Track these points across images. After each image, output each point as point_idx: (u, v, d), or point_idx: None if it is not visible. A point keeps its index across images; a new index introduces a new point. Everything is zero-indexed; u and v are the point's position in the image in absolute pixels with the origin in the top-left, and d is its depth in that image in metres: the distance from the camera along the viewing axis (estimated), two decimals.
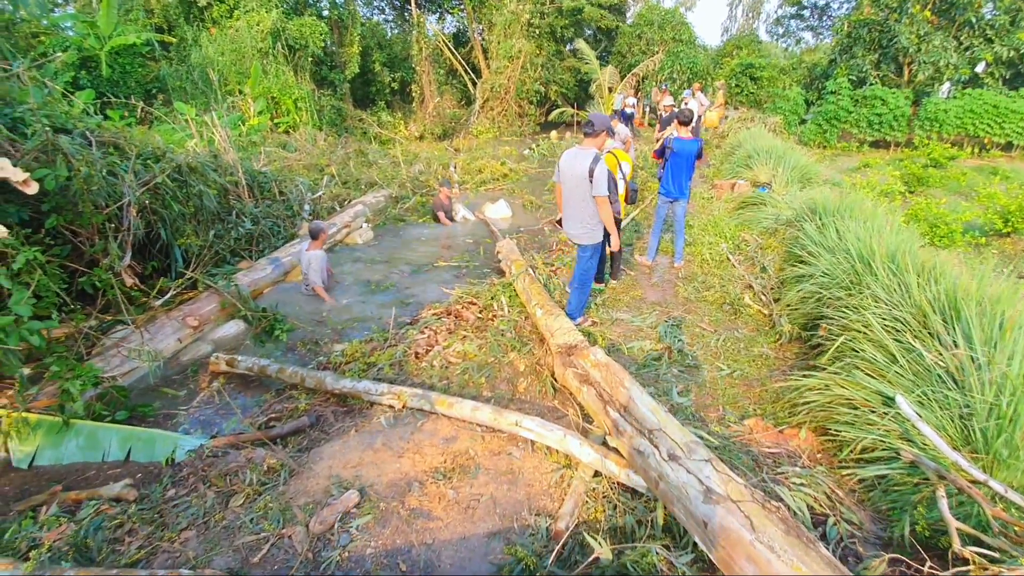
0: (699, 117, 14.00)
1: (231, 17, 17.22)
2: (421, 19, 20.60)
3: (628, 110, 15.74)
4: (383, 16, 27.55)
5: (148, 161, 5.96)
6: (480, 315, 5.14)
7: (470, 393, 3.90)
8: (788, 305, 4.92)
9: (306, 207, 9.10)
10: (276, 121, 15.50)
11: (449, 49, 22.96)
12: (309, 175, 11.11)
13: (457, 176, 12.73)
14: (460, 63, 22.65)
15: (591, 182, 4.10)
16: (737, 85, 16.85)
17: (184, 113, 13.80)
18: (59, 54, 15.17)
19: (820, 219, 5.80)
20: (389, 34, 24.75)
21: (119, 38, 15.53)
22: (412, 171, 12.54)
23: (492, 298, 5.39)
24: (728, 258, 6.62)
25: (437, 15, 26.90)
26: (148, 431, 3.68)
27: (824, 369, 3.72)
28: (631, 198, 5.52)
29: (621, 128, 8.94)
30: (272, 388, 4.33)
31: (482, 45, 24.46)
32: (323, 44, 17.87)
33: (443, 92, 24.19)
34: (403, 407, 3.66)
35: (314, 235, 6.28)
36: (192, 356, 4.95)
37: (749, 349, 4.64)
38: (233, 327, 5.41)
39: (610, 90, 18.35)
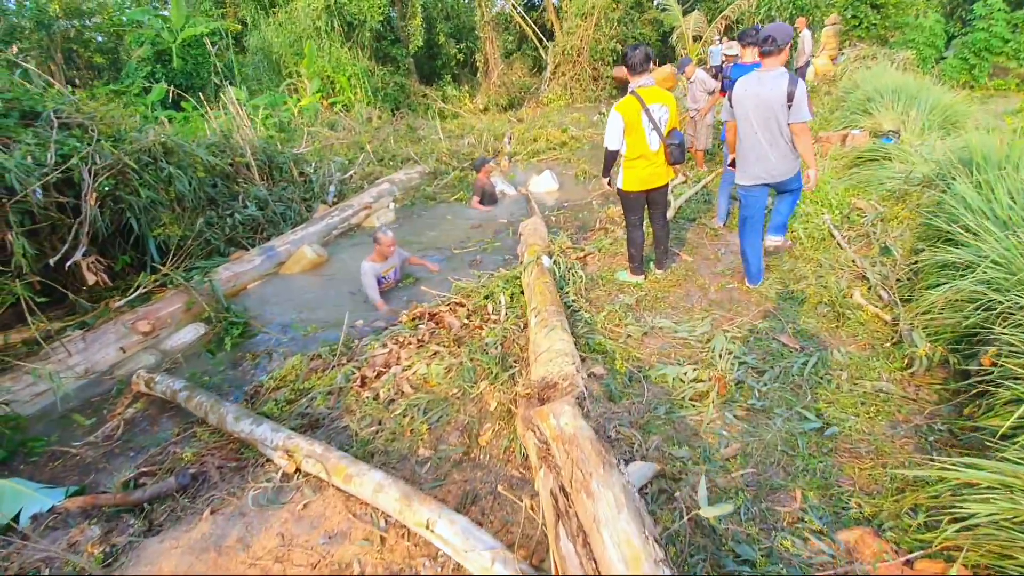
0: (806, 62, 11.43)
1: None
2: None
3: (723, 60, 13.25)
4: None
5: (120, 144, 5.30)
6: (467, 320, 3.88)
7: (397, 451, 2.67)
8: (926, 311, 3.14)
9: (331, 188, 8.29)
10: (331, 100, 15.03)
11: (519, 14, 21.37)
12: (349, 154, 10.36)
13: (510, 147, 11.39)
14: (531, 28, 20.98)
15: (789, 107, 3.44)
16: (854, 16, 13.69)
17: (238, 99, 13.70)
18: (136, 49, 15.78)
19: (978, 175, 3.80)
20: (454, 2, 23.54)
21: (189, 30, 15.78)
22: (460, 144, 11.40)
23: (487, 297, 4.10)
24: (832, 235, 4.76)
25: None
26: (0, 483, 2.87)
27: (997, 446, 2.05)
28: (675, 155, 3.89)
29: (702, 75, 7.11)
30: (187, 419, 3.40)
31: (554, 6, 22.68)
32: (382, 18, 17.13)
33: (512, 61, 22.81)
34: (296, 470, 2.53)
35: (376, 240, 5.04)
36: (132, 368, 4.19)
37: (857, 381, 2.96)
38: (191, 332, 4.61)
39: (695, 39, 15.86)
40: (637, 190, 4.00)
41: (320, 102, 14.55)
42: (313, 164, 9.52)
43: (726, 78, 6.58)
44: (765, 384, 2.99)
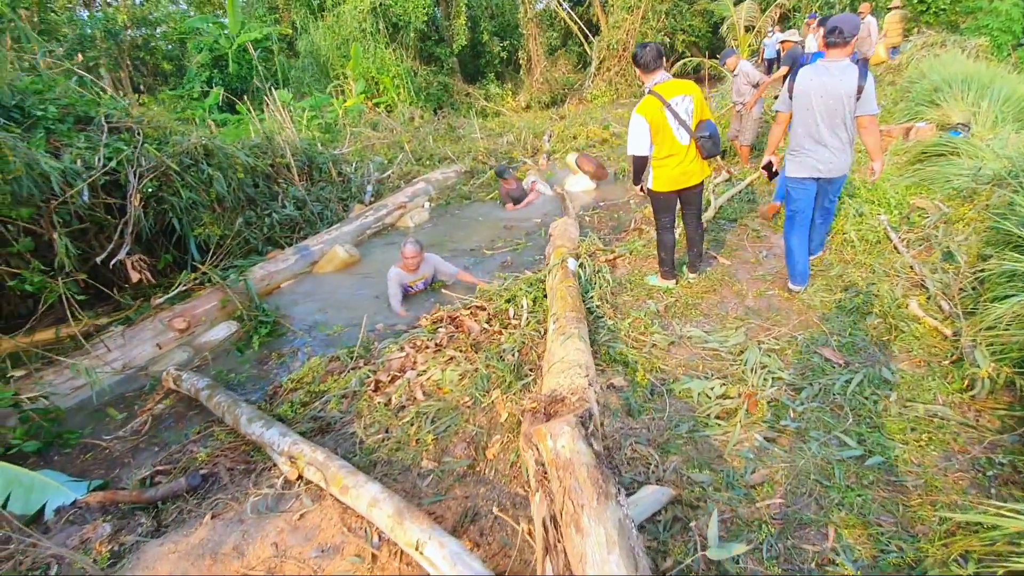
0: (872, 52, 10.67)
1: (343, 3, 17.35)
2: None
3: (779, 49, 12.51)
4: None
5: (164, 147, 5.50)
6: (488, 325, 3.77)
7: (400, 462, 2.59)
8: (991, 326, 2.78)
9: (368, 188, 8.38)
10: (375, 101, 15.28)
11: (564, 10, 21.10)
12: (389, 154, 10.48)
13: (549, 145, 11.21)
14: (576, 23, 20.65)
15: (857, 99, 3.34)
16: (922, 1, 12.68)
17: (284, 101, 14.14)
18: (195, 56, 16.56)
19: None
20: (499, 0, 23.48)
21: (243, 36, 16.41)
22: (499, 143, 11.33)
23: (508, 301, 3.98)
24: (888, 238, 4.36)
25: None
26: (31, 475, 2.98)
27: None
28: (707, 148, 3.61)
29: (747, 67, 6.73)
30: (208, 418, 3.46)
31: (600, 1, 22.32)
32: (426, 18, 17.27)
33: (556, 57, 22.58)
34: (298, 477, 2.50)
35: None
36: (166, 365, 4.32)
37: (908, 404, 2.66)
38: (224, 330, 4.73)
39: (747, 30, 15.16)
40: (668, 190, 3.77)
41: (365, 103, 14.82)
42: (354, 164, 9.69)
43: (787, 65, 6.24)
44: (802, 403, 2.73)
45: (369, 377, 3.36)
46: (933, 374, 2.83)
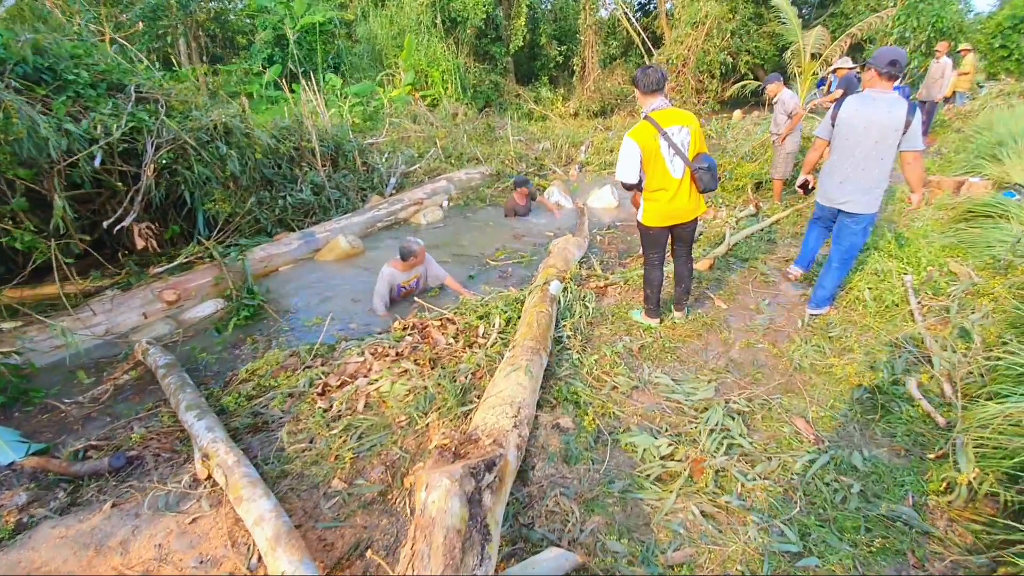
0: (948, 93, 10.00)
1: None
2: None
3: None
4: None
5: (185, 120, 5.63)
6: (454, 340, 3.65)
7: (311, 477, 2.50)
8: (988, 424, 2.45)
9: (391, 180, 8.41)
10: (423, 93, 15.38)
11: (628, 18, 20.73)
12: (423, 148, 10.50)
13: (584, 156, 10.99)
14: (638, 34, 20.24)
15: (904, 133, 3.33)
16: (1003, 46, 11.72)
17: (335, 86, 14.41)
18: (260, 33, 17.09)
19: None
20: (562, 4, 23.29)
21: (307, 18, 16.84)
22: (535, 148, 11.18)
23: (481, 317, 3.84)
24: (907, 300, 3.98)
25: None
26: None
27: None
28: (704, 181, 3.37)
29: (787, 95, 6.36)
30: (161, 397, 3.47)
31: (667, 12, 21.86)
32: (485, 15, 17.27)
33: (614, 67, 22.21)
34: (207, 476, 2.44)
35: (402, 256, 4.62)
36: (147, 335, 4.40)
37: (872, 498, 2.37)
38: (210, 306, 4.78)
39: (813, 57, 14.43)
40: (657, 225, 3.53)
41: (412, 94, 14.95)
42: (385, 154, 9.75)
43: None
44: (753, 478, 2.48)
45: (320, 379, 3.29)
46: (911, 468, 2.53)
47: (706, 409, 2.93)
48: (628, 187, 3.48)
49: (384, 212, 7.00)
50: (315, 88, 8.69)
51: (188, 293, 4.85)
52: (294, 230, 6.34)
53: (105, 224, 4.92)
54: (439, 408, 2.89)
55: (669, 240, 3.69)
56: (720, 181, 7.06)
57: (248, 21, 19.92)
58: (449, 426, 2.76)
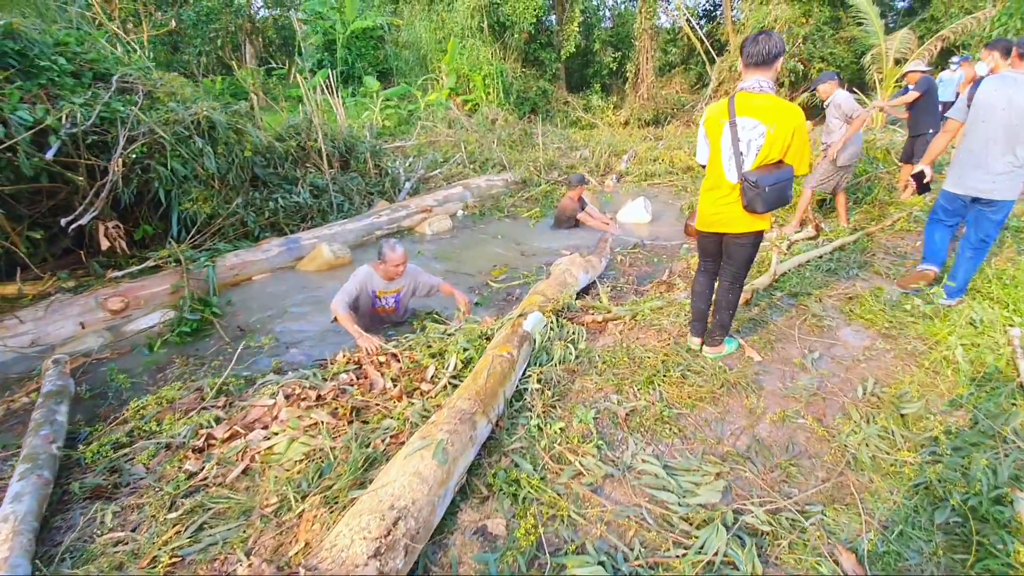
0: None
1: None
2: None
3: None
4: None
5: (162, 114, 5.21)
6: (393, 383, 2.88)
7: None
8: None
9: (406, 185, 7.81)
10: (464, 98, 14.89)
11: (690, 24, 19.56)
12: (451, 152, 9.90)
13: (625, 166, 10.04)
14: (700, 41, 18.99)
15: None
16: None
17: (373, 89, 14.17)
18: (311, 37, 17.24)
19: None
20: (616, 9, 22.39)
21: (356, 23, 16.82)
22: (572, 157, 10.34)
23: (435, 355, 3.04)
24: (1014, 366, 2.85)
25: None
26: None
27: None
28: (747, 197, 2.53)
29: (842, 97, 5.22)
30: None
31: (733, 19, 20.56)
32: (535, 20, 16.64)
33: (673, 75, 21.07)
34: None
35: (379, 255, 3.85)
36: (80, 348, 3.89)
37: None
38: (156, 318, 4.24)
39: (897, 63, 12.79)
40: (706, 230, 2.92)
41: (452, 99, 14.48)
42: (409, 159, 9.21)
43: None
44: None
45: (210, 427, 2.60)
46: None
47: (705, 523, 1.99)
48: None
49: (385, 219, 6.36)
50: (331, 88, 8.25)
51: (138, 302, 4.34)
52: (287, 234, 5.81)
53: (64, 222, 4.51)
54: (328, 487, 2.11)
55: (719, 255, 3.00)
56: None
57: (304, 28, 20.29)
58: (332, 517, 1.97)
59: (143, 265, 4.81)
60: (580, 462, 2.29)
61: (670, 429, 2.54)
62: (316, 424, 2.56)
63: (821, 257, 4.74)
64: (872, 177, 6.70)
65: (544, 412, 2.58)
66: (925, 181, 3.74)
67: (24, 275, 4.67)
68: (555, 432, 2.45)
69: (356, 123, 11.14)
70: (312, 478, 2.19)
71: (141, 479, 2.34)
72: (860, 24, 14.11)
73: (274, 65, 17.74)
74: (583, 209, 6.52)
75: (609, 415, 2.60)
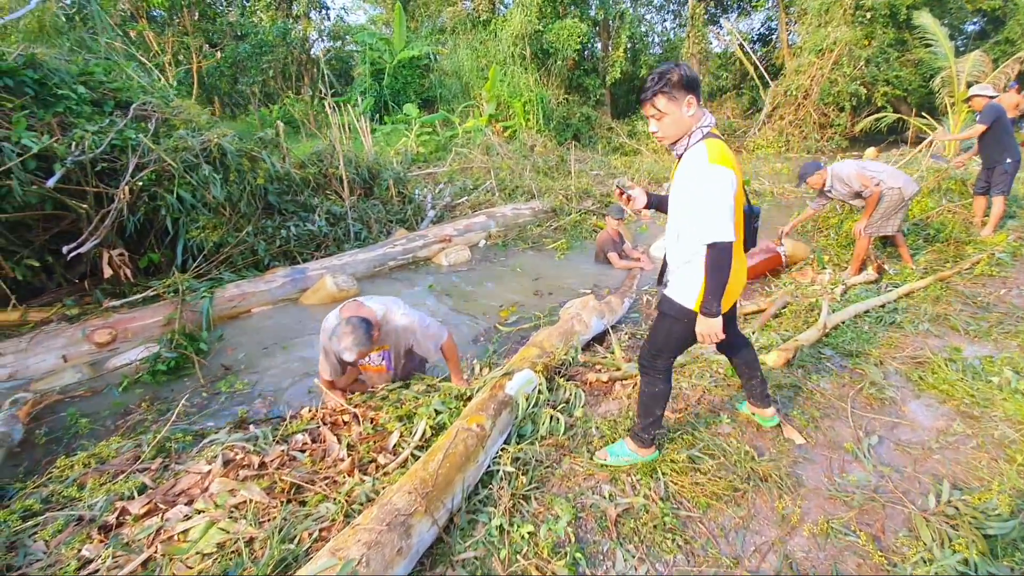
0: None
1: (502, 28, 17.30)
2: (697, 9, 17.19)
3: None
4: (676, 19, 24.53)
5: (183, 140, 5.15)
6: (349, 451, 2.46)
7: None
8: None
9: (430, 213, 7.55)
10: (504, 124, 14.73)
11: (743, 49, 18.89)
12: (483, 179, 9.64)
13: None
14: (754, 66, 18.22)
15: None
16: None
17: (411, 115, 14.25)
18: (359, 67, 17.70)
19: None
20: (666, 35, 21.96)
21: (403, 52, 17.16)
22: (607, 185, 9.86)
23: (403, 418, 2.61)
24: None
25: (737, 12, 22.78)
26: None
27: None
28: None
29: (846, 171, 4.65)
30: None
31: (789, 42, 19.77)
32: (579, 47, 16.44)
33: (724, 100, 20.36)
34: None
35: None
36: (56, 384, 3.71)
37: None
38: (136, 353, 4.04)
39: (969, 85, 11.67)
40: (726, 308, 2.10)
41: (492, 126, 14.35)
42: (440, 185, 9.00)
43: None
44: None
45: (130, 497, 2.25)
46: None
47: None
48: (729, 253, 1.92)
49: (400, 249, 6.06)
50: (360, 115, 8.18)
51: (126, 334, 4.16)
52: (299, 263, 5.61)
53: (65, 249, 4.44)
54: None
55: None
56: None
57: (353, 61, 20.95)
58: None
59: (143, 295, 4.67)
60: None
61: (673, 541, 1.98)
62: (244, 504, 2.16)
63: (883, 306, 4.03)
64: (944, 211, 5.87)
65: (512, 507, 2.08)
66: None
67: (35, 301, 4.65)
68: (521, 537, 1.94)
69: (391, 150, 11.13)
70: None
71: (37, 560, 2.00)
72: (928, 46, 13.06)
73: (323, 93, 18.32)
74: (619, 247, 6.00)
75: (596, 514, 2.07)
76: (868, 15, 15.47)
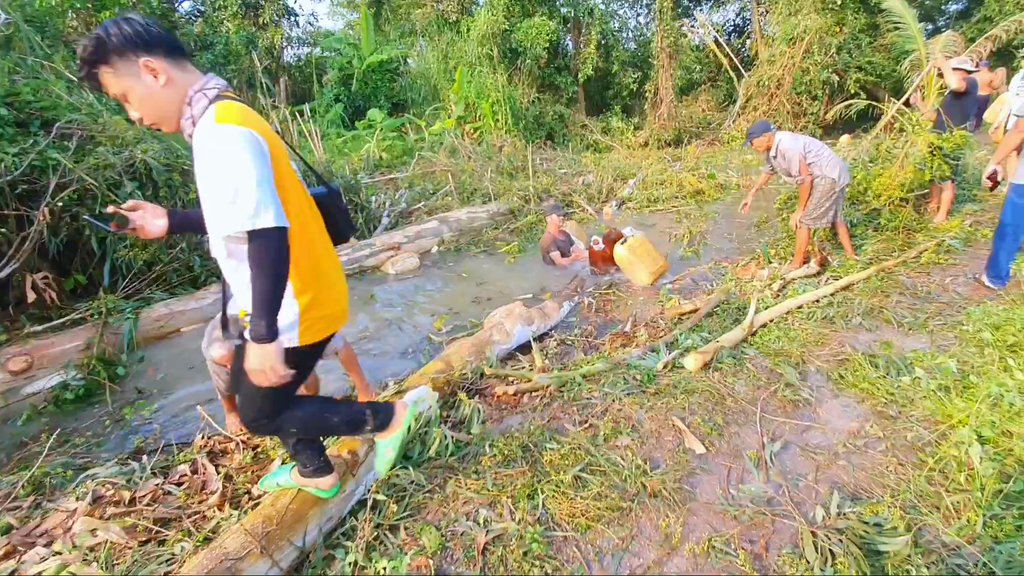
0: None
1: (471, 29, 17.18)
2: (665, 3, 17.15)
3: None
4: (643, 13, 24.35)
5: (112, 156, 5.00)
6: (229, 478, 2.34)
7: None
8: None
9: (384, 220, 7.43)
10: (473, 126, 14.60)
11: (716, 41, 18.84)
12: (444, 183, 9.51)
13: (630, 191, 9.34)
14: (727, 57, 18.16)
15: None
16: None
17: (377, 120, 14.10)
18: (329, 72, 17.55)
19: None
20: (639, 30, 21.87)
21: (372, 57, 16.98)
22: (573, 183, 9.75)
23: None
24: None
25: (710, 3, 22.73)
26: None
27: None
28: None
29: (789, 143, 4.53)
30: None
31: (763, 32, 19.79)
32: (548, 45, 16.33)
33: (698, 93, 20.32)
34: None
35: None
36: None
37: None
38: (51, 380, 3.89)
39: (939, 71, 11.63)
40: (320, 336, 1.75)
41: (461, 128, 14.22)
42: (400, 191, 8.87)
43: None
44: None
45: None
46: None
47: None
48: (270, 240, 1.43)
49: (345, 259, 5.93)
50: (306, 123, 8.04)
51: (43, 360, 4.01)
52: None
53: None
54: None
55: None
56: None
57: (323, 65, 20.77)
58: None
59: (66, 319, 4.53)
60: None
61: (541, 568, 1.86)
62: (100, 545, 2.04)
63: (818, 301, 3.93)
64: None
65: (375, 540, 1.96)
66: (1000, 179, 3.72)
67: None
68: (376, 573, 1.82)
69: (354, 156, 10.98)
70: None
71: None
72: (896, 29, 13.02)
73: (276, 102, 18.15)
74: (564, 245, 5.87)
75: (464, 543, 1.96)
76: (839, 2, 15.43)
